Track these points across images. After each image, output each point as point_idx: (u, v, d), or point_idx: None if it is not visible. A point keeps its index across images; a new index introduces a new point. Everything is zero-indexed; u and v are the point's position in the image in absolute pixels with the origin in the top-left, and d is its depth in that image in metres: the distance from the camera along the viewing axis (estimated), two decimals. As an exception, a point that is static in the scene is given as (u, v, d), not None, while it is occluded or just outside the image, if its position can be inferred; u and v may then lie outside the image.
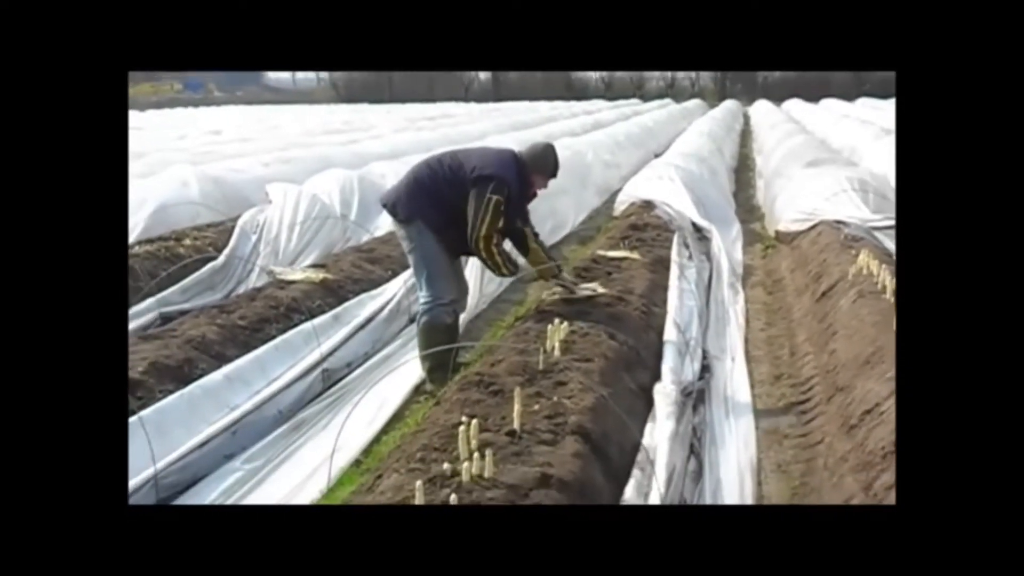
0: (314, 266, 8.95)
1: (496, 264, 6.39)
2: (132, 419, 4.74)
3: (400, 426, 5.75)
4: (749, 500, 4.73)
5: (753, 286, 9.54)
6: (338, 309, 7.55)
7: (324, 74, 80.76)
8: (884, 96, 44.86)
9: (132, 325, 7.19)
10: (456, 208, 6.22)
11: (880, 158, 15.11)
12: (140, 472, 4.61)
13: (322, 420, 5.88)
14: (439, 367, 6.18)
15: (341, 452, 5.07)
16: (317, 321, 6.97)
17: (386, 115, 39.06)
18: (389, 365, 6.75)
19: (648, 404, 5.45)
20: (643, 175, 13.30)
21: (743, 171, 20.56)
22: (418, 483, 3.73)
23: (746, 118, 38.54)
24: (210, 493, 4.96)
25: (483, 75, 76.59)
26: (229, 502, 4.90)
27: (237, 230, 10.06)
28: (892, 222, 9.78)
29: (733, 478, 4.89)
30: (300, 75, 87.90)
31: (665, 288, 7.89)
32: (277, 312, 7.32)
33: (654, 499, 4.25)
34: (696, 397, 5.83)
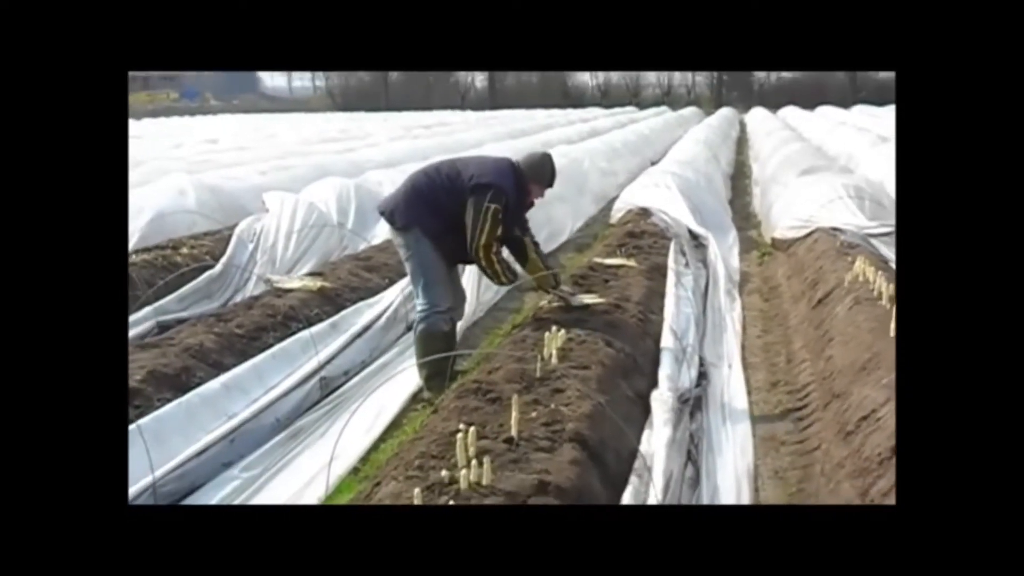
0: (311, 274, 8.96)
1: (496, 272, 6.40)
2: (130, 428, 4.75)
3: (398, 434, 5.75)
4: (746, 506, 4.73)
5: (750, 293, 9.56)
6: (335, 317, 7.54)
7: (320, 82, 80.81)
8: (880, 103, 44.94)
9: (130, 334, 7.19)
10: (454, 216, 6.23)
11: (876, 165, 15.14)
12: (138, 480, 4.60)
13: (320, 428, 5.88)
14: (436, 375, 6.18)
15: (339, 460, 5.07)
16: (314, 329, 6.98)
17: (382, 123, 39.09)
18: (387, 373, 6.76)
19: (645, 411, 5.46)
20: (640, 183, 13.34)
21: (739, 178, 20.57)
22: (416, 490, 3.75)
23: (742, 125, 38.57)
24: (208, 501, 4.95)
25: (479, 83, 76.68)
26: (227, 510, 4.90)
27: (234, 239, 10.06)
28: (888, 229, 9.80)
29: (730, 485, 4.90)
30: (296, 83, 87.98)
31: (662, 295, 7.90)
32: (274, 320, 7.32)
33: (652, 506, 4.26)
34: (693, 404, 5.83)
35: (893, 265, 8.38)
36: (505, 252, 6.68)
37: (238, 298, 8.63)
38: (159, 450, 4.88)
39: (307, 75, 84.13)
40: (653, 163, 18.36)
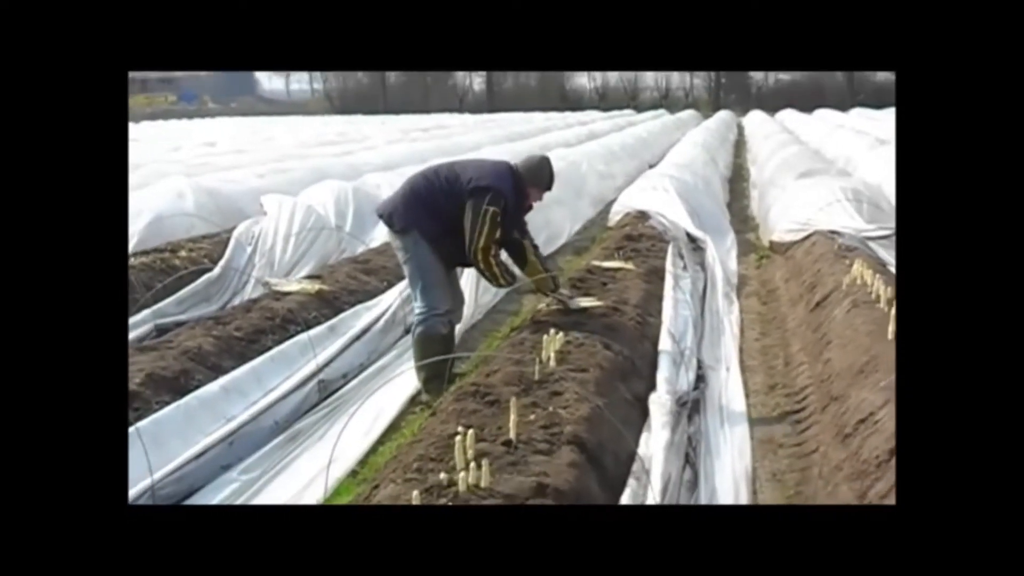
0: (309, 277, 8.97)
1: (494, 275, 6.41)
2: (129, 430, 4.75)
3: (396, 437, 5.76)
4: (744, 509, 4.74)
5: (747, 296, 9.56)
6: (334, 320, 7.55)
7: (318, 85, 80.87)
8: (878, 106, 44.99)
9: (128, 337, 7.19)
10: (452, 219, 6.24)
11: (874, 168, 15.15)
12: (137, 483, 4.61)
13: (318, 431, 5.89)
14: (435, 377, 6.19)
15: (338, 463, 5.08)
16: (313, 332, 6.98)
17: (380, 126, 39.11)
18: (385, 376, 6.76)
19: (643, 414, 5.47)
20: (637, 186, 13.35)
21: (737, 181, 20.60)
22: (415, 493, 3.75)
23: (740, 128, 38.62)
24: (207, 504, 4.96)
25: (477, 86, 76.72)
26: (226, 513, 4.91)
27: (232, 242, 10.07)
28: (886, 232, 9.82)
29: (728, 487, 4.90)
30: (294, 86, 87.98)
31: (660, 298, 7.91)
32: (273, 323, 7.33)
33: (650, 508, 4.27)
34: (691, 407, 5.83)
35: (891, 268, 8.39)
36: (504, 255, 6.69)
37: (236, 301, 8.63)
38: (158, 453, 4.88)
39: (305, 78, 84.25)
40: (651, 166, 18.39)
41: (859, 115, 39.42)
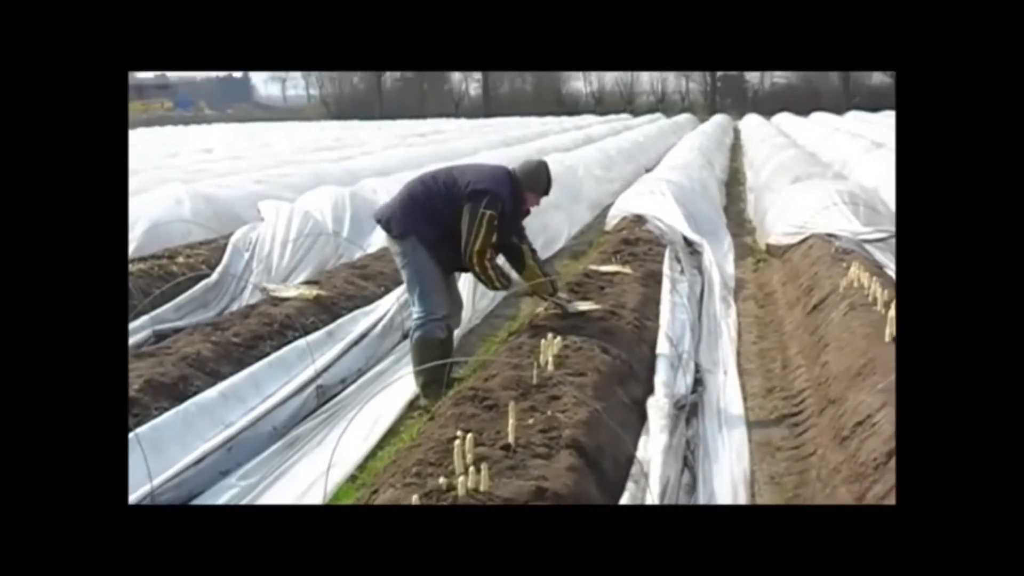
0: (307, 283, 8.97)
1: (489, 278, 6.42)
2: (128, 436, 4.76)
3: (395, 441, 5.76)
4: (743, 512, 4.75)
5: (745, 299, 9.57)
6: (332, 326, 7.56)
7: (315, 91, 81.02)
8: (873, 109, 45.08)
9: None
10: (450, 224, 6.25)
11: (870, 171, 15.18)
12: (136, 489, 4.61)
13: (317, 436, 5.89)
14: (433, 382, 6.19)
15: (336, 468, 5.09)
16: (311, 338, 6.99)
17: (377, 132, 39.12)
18: (383, 381, 6.77)
19: (641, 417, 5.48)
20: (634, 190, 13.36)
21: (734, 185, 20.61)
22: (414, 497, 3.76)
23: (736, 132, 38.69)
24: (206, 510, 4.97)
25: (473, 91, 76.84)
26: (225, 518, 4.91)
27: (230, 248, 10.07)
28: (882, 235, 9.83)
29: (727, 490, 4.91)
30: (290, 92, 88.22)
31: (657, 302, 7.92)
32: (271, 329, 7.34)
33: (648, 512, 4.28)
34: (689, 410, 5.84)
35: (888, 271, 8.41)
36: (501, 259, 6.70)
37: (234, 307, 8.64)
38: (157, 459, 4.89)
39: (301, 84, 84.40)
40: (648, 170, 18.39)
41: (855, 118, 39.53)
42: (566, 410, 4.92)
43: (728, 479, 5.03)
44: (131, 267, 9.06)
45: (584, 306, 7.00)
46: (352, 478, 5.27)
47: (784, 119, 42.92)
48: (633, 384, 5.94)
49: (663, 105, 68.48)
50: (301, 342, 6.84)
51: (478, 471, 3.92)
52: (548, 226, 12.04)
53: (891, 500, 3.85)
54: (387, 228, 6.50)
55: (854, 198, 10.99)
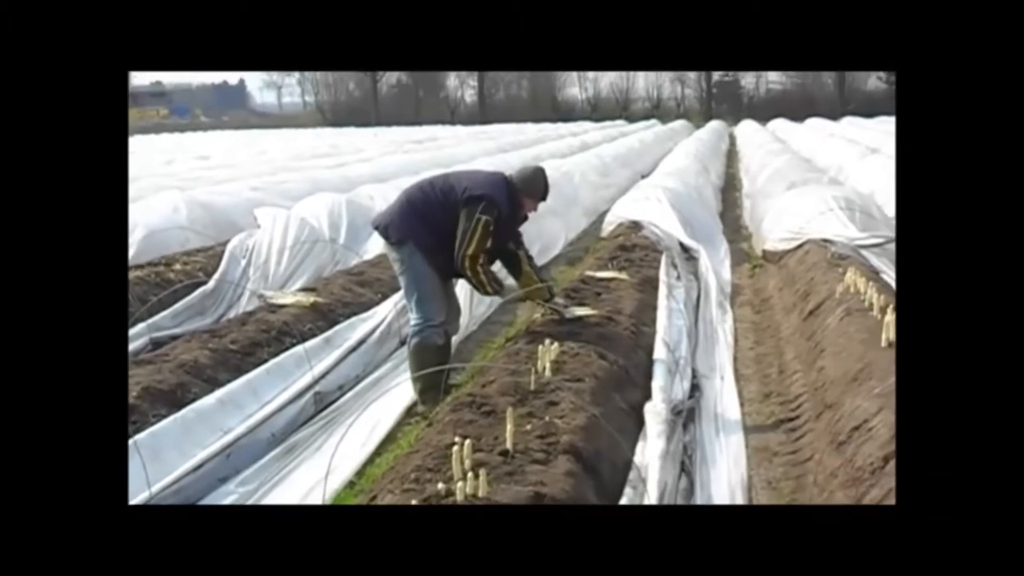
0: (304, 290, 8.97)
1: (481, 283, 6.43)
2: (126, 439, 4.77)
3: (393, 448, 5.77)
4: (740, 517, 4.76)
5: (741, 305, 9.59)
6: (329, 332, 7.57)
7: (310, 98, 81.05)
8: (868, 115, 45.18)
9: (123, 350, 7.20)
10: (448, 230, 6.27)
11: (866, 177, 15.22)
12: (135, 495, 4.61)
13: (315, 442, 5.90)
14: (431, 388, 6.20)
15: (335, 474, 5.10)
16: (308, 344, 6.99)
17: (373, 138, 39.16)
18: (381, 387, 6.78)
19: (639, 423, 5.50)
20: (630, 196, 13.38)
21: (730, 191, 20.64)
22: (413, 503, 3.77)
23: (732, 138, 38.70)
24: (204, 516, 4.98)
25: (469, 98, 76.88)
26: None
27: (226, 255, 10.09)
28: (878, 240, 9.85)
29: (724, 495, 4.93)
30: (286, 99, 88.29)
31: (654, 308, 7.94)
32: (268, 336, 7.34)
33: (646, 517, 4.29)
34: (686, 416, 5.85)
35: (884, 276, 8.43)
36: (498, 265, 6.72)
37: (231, 314, 8.65)
38: (155, 465, 4.90)
39: (297, 91, 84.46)
40: (643, 176, 18.42)
41: (850, 124, 39.62)
42: (564, 416, 4.93)
43: (725, 484, 5.05)
44: (128, 274, 9.06)
45: (581, 312, 7.01)
46: (350, 484, 5.28)
47: (780, 125, 42.96)
48: (630, 389, 5.96)
49: (659, 111, 68.53)
50: (299, 349, 6.85)
51: (476, 477, 3.93)
52: (544, 232, 12.04)
53: (888, 504, 3.86)
54: (385, 235, 6.52)
55: (850, 204, 11.00)
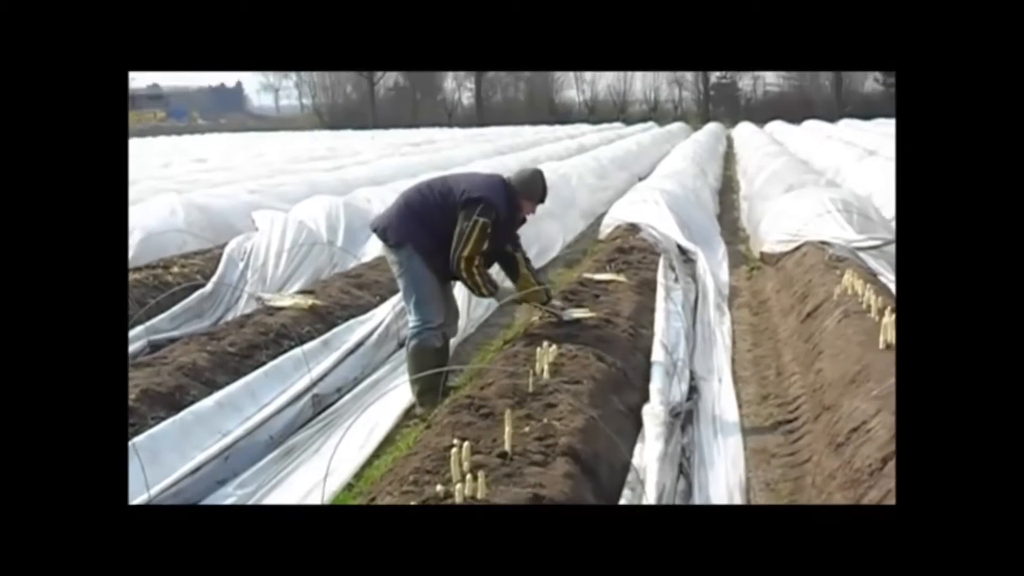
0: (302, 292, 8.97)
1: (476, 284, 6.43)
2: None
3: (391, 450, 5.77)
4: (739, 518, 4.76)
5: (739, 307, 9.60)
6: (327, 335, 7.57)
7: (307, 101, 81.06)
8: (866, 117, 45.22)
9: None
10: (446, 233, 6.27)
11: (863, 179, 15.23)
12: (134, 498, 4.61)
13: (313, 445, 5.90)
14: (429, 391, 6.20)
15: (333, 476, 5.10)
16: (307, 347, 7.00)
17: (370, 141, 39.15)
18: (379, 390, 6.77)
19: (637, 425, 5.50)
20: (628, 198, 13.39)
21: (727, 193, 20.66)
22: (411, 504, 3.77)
23: (729, 140, 38.74)
24: (203, 518, 4.98)
25: (466, 100, 76.92)
26: (222, 527, 4.92)
27: (224, 257, 10.09)
28: (876, 242, 9.86)
29: (722, 497, 4.93)
30: (283, 102, 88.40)
31: (652, 310, 7.94)
32: (266, 338, 7.34)
33: (645, 518, 4.29)
34: (684, 418, 5.86)
35: (881, 278, 8.44)
36: (496, 267, 6.73)
37: (229, 317, 8.65)
38: (154, 468, 4.90)
39: (294, 94, 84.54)
40: (641, 179, 18.42)
41: (847, 126, 39.62)
42: (562, 418, 4.93)
43: (724, 486, 5.05)
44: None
45: (579, 314, 7.01)
46: (349, 486, 5.28)
47: (777, 127, 43.03)
48: (628, 392, 5.96)
49: (656, 114, 68.60)
50: (297, 351, 6.85)
51: (475, 479, 3.93)
52: (542, 235, 12.05)
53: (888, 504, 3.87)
54: (383, 237, 6.52)
55: (847, 206, 11.00)
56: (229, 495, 5.21)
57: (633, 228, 11.75)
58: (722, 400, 6.38)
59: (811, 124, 43.11)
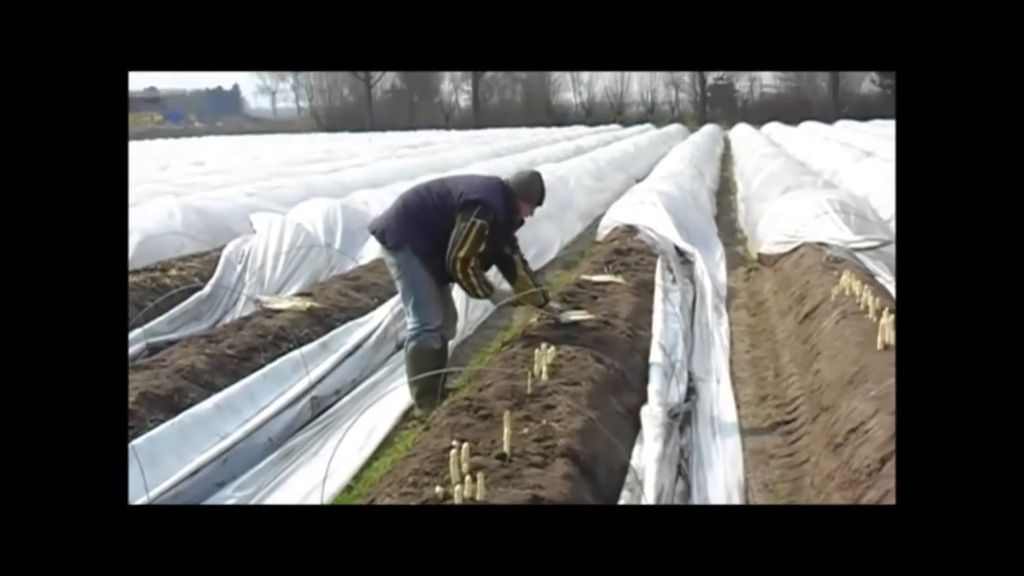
0: (300, 295, 8.97)
1: (471, 286, 6.43)
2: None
3: (390, 452, 5.77)
4: (737, 519, 4.76)
5: (737, 308, 9.61)
6: (325, 337, 7.57)
7: (304, 103, 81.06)
8: (863, 118, 45.27)
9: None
10: (444, 235, 6.27)
11: (860, 180, 15.25)
12: (133, 500, 4.61)
13: (312, 447, 5.90)
14: (428, 392, 6.20)
15: (332, 478, 5.10)
16: (305, 349, 7.00)
17: (367, 143, 39.16)
18: (377, 392, 6.78)
19: (635, 426, 5.50)
20: (626, 200, 13.40)
21: (724, 194, 20.68)
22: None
23: (726, 142, 38.77)
24: (202, 521, 4.98)
25: (463, 102, 76.95)
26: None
27: (222, 260, 10.08)
28: (873, 243, 9.87)
29: (721, 498, 4.93)
30: (280, 105, 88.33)
31: (650, 311, 7.94)
32: (265, 341, 7.34)
33: (644, 519, 4.29)
34: (683, 419, 5.87)
35: (879, 279, 8.45)
36: (494, 270, 6.73)
37: (227, 319, 8.65)
38: (153, 470, 4.90)
39: (291, 97, 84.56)
40: (638, 180, 18.44)
41: (844, 127, 39.65)
42: (561, 419, 4.93)
43: (722, 487, 5.06)
44: (124, 279, 9.07)
45: (577, 316, 7.02)
46: (348, 488, 5.28)
47: (774, 129, 43.04)
48: (627, 393, 5.97)
49: (653, 115, 68.63)
50: (295, 353, 6.85)
51: (474, 480, 3.93)
52: (540, 236, 12.06)
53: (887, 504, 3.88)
54: (381, 239, 6.53)
55: (845, 207, 11.01)
56: (228, 497, 5.21)
57: (631, 230, 11.75)
58: (720, 401, 6.38)
59: (808, 126, 43.15)
